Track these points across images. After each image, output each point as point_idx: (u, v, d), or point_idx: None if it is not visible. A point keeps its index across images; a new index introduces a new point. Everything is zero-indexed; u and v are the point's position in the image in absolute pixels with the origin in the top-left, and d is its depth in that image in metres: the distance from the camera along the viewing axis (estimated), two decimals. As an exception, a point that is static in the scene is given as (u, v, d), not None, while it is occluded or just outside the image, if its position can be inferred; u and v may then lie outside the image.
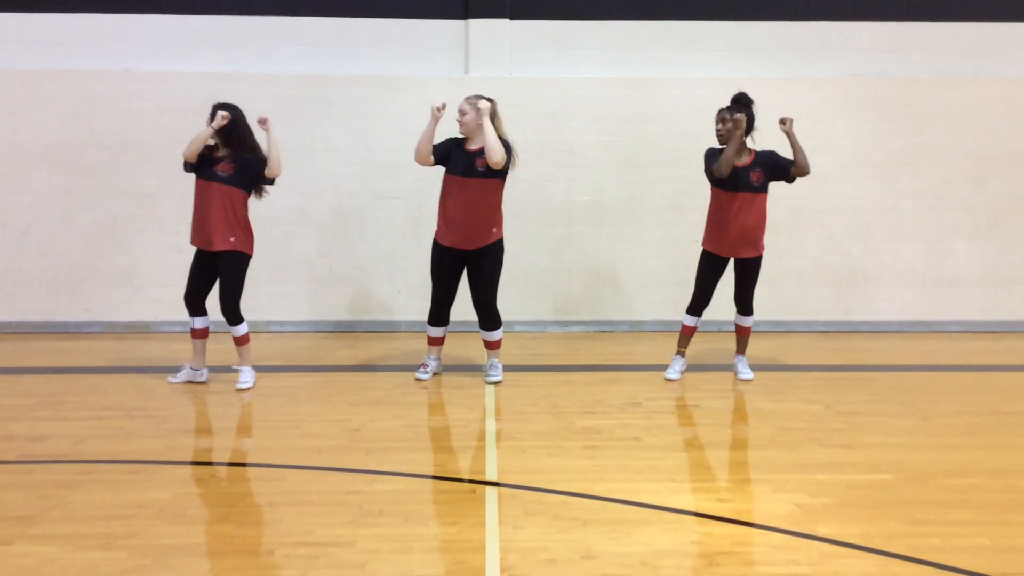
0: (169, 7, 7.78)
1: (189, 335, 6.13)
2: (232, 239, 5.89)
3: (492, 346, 6.25)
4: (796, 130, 5.94)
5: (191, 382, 6.09)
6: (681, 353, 6.38)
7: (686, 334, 6.36)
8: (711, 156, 6.04)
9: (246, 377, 6.04)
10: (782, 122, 5.89)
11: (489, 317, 6.12)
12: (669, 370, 6.32)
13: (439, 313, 6.16)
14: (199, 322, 6.06)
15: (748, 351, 6.48)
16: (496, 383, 6.12)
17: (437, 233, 6.03)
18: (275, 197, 7.50)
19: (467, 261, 6.00)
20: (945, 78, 7.99)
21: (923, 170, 7.99)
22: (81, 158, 7.73)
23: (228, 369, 6.21)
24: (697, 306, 6.26)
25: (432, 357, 6.29)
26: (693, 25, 7.98)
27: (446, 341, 6.31)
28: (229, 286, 5.94)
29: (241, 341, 6.06)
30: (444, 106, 5.86)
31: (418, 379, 6.19)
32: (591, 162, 7.91)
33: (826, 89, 7.93)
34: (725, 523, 3.92)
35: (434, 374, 6.29)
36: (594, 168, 7.91)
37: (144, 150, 7.73)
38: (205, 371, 6.13)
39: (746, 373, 6.29)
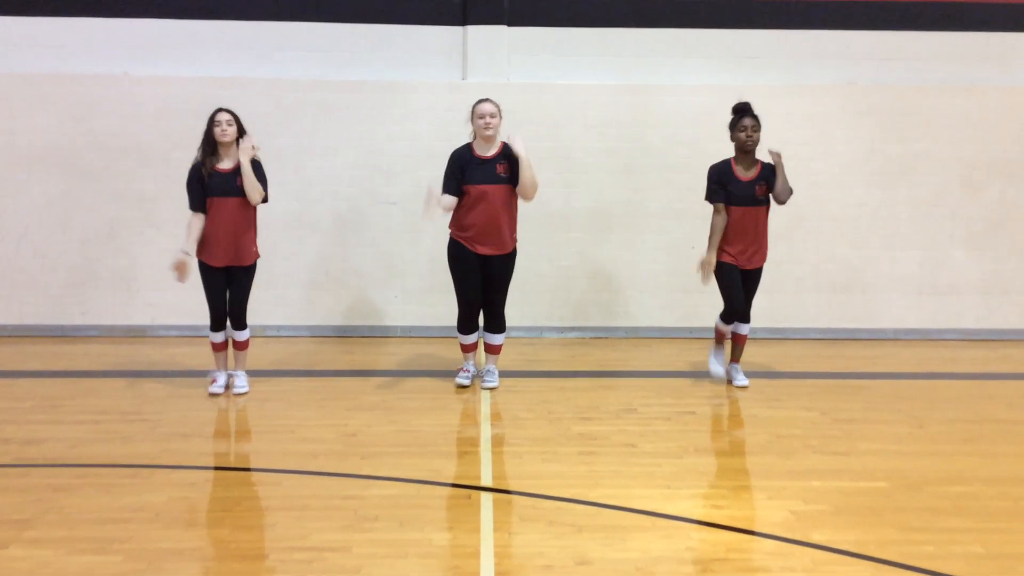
0: (169, 11, 7.79)
1: (212, 348, 6.08)
2: (255, 249, 5.96)
3: (493, 350, 6.24)
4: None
5: (214, 392, 6.00)
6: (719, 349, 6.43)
7: (720, 337, 6.39)
8: (714, 184, 6.08)
9: (243, 382, 6.05)
10: (776, 154, 5.95)
11: (496, 320, 6.13)
12: (713, 367, 6.35)
13: (469, 319, 6.13)
14: (222, 336, 6.05)
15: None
16: (492, 389, 6.12)
17: (459, 239, 5.95)
18: (273, 201, 7.46)
19: (485, 264, 5.97)
20: (942, 86, 8.01)
21: (920, 178, 8.01)
22: (80, 162, 7.74)
23: (211, 373, 6.20)
24: (731, 315, 6.25)
25: (470, 363, 6.27)
26: (691, 33, 8.00)
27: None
28: (244, 294, 5.96)
29: (244, 346, 6.07)
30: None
31: (460, 384, 6.15)
32: (590, 168, 7.92)
33: (824, 97, 7.95)
34: (720, 530, 3.93)
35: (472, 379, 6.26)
36: (593, 174, 7.93)
37: (143, 154, 7.74)
38: (225, 375, 6.14)
39: (742, 380, 6.29)
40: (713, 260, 6.04)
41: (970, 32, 8.05)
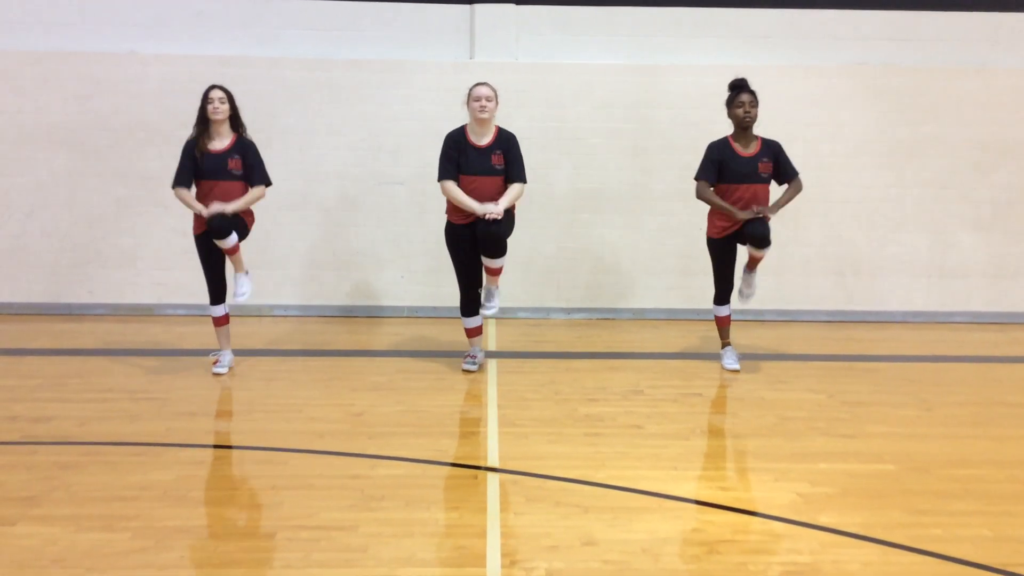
0: (174, -11, 7.75)
1: (213, 324, 6.07)
2: (250, 219, 6.00)
3: (493, 272, 5.92)
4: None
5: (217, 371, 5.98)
6: (727, 344, 6.32)
7: (724, 325, 6.31)
8: (708, 161, 6.00)
9: (246, 288, 5.93)
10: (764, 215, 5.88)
11: (496, 246, 5.71)
12: (727, 362, 6.23)
13: (470, 301, 6.05)
14: (223, 308, 6.03)
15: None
16: (493, 316, 5.91)
17: (450, 216, 5.90)
18: (279, 181, 7.46)
19: (478, 226, 5.68)
20: (953, 68, 7.94)
21: (929, 160, 7.96)
22: (85, 140, 7.71)
23: (214, 352, 6.19)
24: (723, 295, 6.21)
25: (476, 348, 6.21)
26: (700, 12, 7.92)
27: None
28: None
29: (235, 250, 5.83)
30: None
31: (466, 370, 6.09)
32: (596, 149, 7.88)
33: (833, 77, 7.89)
34: (726, 511, 3.93)
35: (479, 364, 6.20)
36: (599, 155, 7.88)
37: (148, 133, 7.71)
38: (229, 354, 6.12)
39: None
40: (742, 215, 5.85)
41: (981, 13, 7.97)
